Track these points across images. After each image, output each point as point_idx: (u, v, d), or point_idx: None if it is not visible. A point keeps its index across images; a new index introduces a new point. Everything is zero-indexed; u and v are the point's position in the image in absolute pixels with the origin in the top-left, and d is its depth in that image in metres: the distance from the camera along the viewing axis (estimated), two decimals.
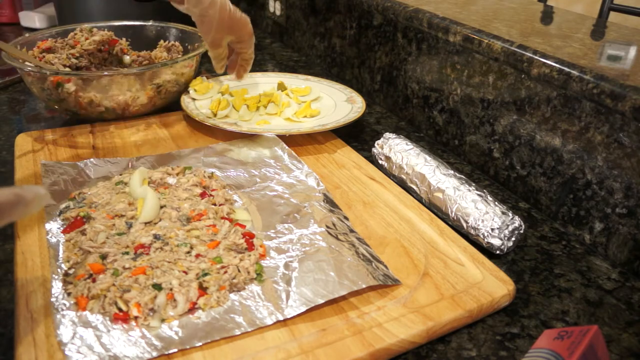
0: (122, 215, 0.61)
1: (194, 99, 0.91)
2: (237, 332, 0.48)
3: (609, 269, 0.62)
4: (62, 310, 0.48)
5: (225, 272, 0.53)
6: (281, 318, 0.49)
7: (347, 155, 0.80)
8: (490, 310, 0.54)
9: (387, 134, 0.78)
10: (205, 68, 1.18)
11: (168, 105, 0.93)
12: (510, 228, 0.61)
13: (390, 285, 0.54)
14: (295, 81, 1.01)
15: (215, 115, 0.85)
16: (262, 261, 0.56)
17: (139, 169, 0.67)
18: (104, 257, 0.54)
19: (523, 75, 0.72)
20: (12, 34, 1.35)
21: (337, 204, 0.66)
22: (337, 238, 0.59)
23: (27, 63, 0.84)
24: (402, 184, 0.73)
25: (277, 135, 0.80)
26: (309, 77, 1.02)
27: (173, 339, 0.47)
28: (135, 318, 0.48)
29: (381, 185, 0.72)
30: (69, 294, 0.50)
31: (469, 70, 0.81)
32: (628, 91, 0.58)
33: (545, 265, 0.62)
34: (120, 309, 0.48)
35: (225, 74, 0.99)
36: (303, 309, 0.50)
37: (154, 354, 0.45)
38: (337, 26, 1.13)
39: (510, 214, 0.62)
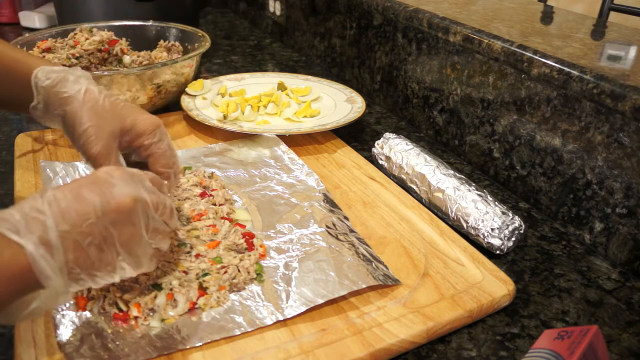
0: None
1: (190, 95, 0.91)
2: (237, 332, 0.48)
3: (609, 269, 0.62)
4: (62, 310, 0.48)
5: (225, 272, 0.53)
6: (281, 318, 0.49)
7: (347, 155, 0.80)
8: (490, 310, 0.54)
9: (387, 134, 0.78)
10: (204, 68, 1.18)
11: (168, 105, 0.93)
12: (510, 228, 0.61)
13: (390, 285, 0.54)
14: (295, 81, 1.01)
15: (225, 118, 0.84)
16: (262, 261, 0.56)
17: None
18: None
19: (523, 75, 0.72)
20: (12, 34, 1.35)
21: (337, 204, 0.66)
22: (337, 238, 0.59)
23: None
24: (402, 184, 0.73)
25: (277, 135, 0.80)
26: (309, 76, 1.02)
27: (173, 339, 0.47)
28: (135, 318, 0.48)
29: (381, 185, 0.72)
30: None
31: (469, 70, 0.81)
32: (628, 91, 0.58)
33: (545, 265, 0.62)
34: (120, 309, 0.48)
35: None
36: (303, 309, 0.50)
37: (154, 354, 0.45)
38: (337, 26, 1.13)
39: (510, 214, 0.62)
